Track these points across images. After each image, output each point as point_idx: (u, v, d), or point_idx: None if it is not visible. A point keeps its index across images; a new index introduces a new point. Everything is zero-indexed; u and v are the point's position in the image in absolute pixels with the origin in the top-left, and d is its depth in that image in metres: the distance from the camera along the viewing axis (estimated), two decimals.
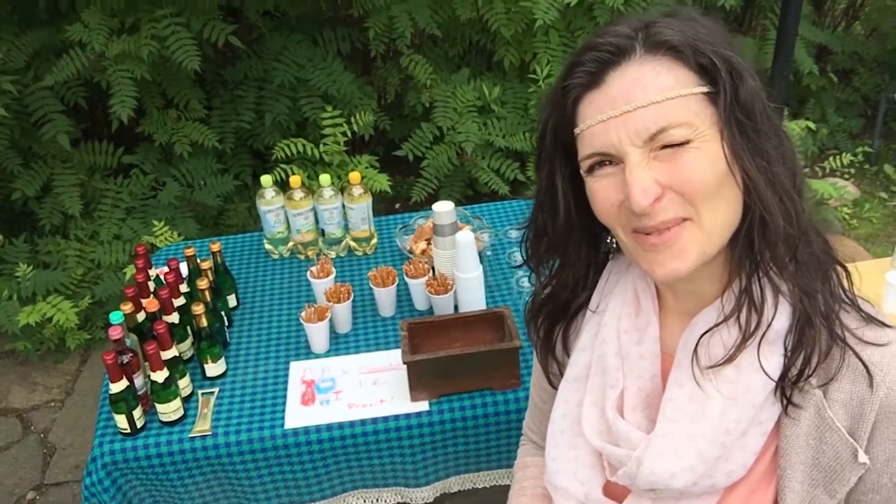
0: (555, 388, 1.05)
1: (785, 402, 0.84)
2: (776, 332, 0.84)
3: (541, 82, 3.36)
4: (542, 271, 1.00)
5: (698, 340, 0.87)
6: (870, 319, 0.85)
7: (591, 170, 0.84)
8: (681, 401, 0.87)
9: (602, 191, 0.84)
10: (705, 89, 0.79)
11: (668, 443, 0.86)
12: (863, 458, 0.82)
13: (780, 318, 0.84)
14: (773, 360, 0.84)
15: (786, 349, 0.84)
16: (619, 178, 0.81)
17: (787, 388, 0.84)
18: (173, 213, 3.28)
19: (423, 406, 1.61)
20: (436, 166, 3.42)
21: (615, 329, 0.95)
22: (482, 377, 1.61)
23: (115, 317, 1.58)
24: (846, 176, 4.00)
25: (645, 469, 0.87)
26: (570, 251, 0.96)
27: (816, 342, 0.82)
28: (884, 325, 0.85)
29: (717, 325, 0.85)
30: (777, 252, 0.81)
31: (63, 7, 3.00)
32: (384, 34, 3.37)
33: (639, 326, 0.94)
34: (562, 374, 1.03)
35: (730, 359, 0.84)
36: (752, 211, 0.81)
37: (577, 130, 0.85)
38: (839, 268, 0.86)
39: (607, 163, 0.83)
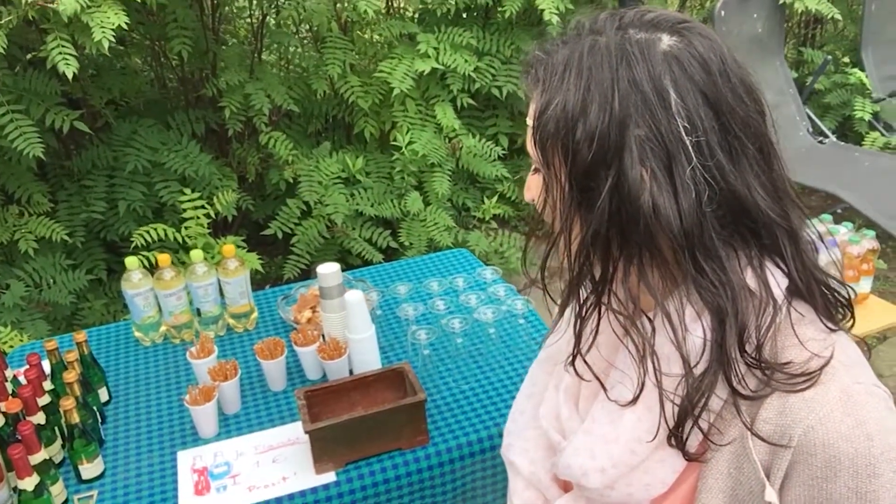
0: None
1: (677, 441, 0.80)
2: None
3: (403, 150, 3.40)
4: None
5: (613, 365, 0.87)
6: (811, 356, 0.76)
7: None
8: (607, 402, 0.86)
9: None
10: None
11: (587, 440, 0.86)
12: (770, 496, 0.74)
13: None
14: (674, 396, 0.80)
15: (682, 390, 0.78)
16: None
17: (677, 440, 0.79)
18: (20, 316, 2.99)
19: (329, 477, 1.51)
20: (306, 241, 3.36)
21: None
22: (390, 437, 1.54)
23: None
24: None
25: (563, 461, 0.87)
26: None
27: (700, 394, 0.77)
28: (824, 364, 0.76)
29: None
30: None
31: None
32: (240, 113, 3.32)
33: (609, 318, 0.90)
34: None
35: (632, 400, 0.82)
36: None
37: None
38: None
39: None
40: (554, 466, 0.90)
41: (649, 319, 0.80)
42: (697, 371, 0.77)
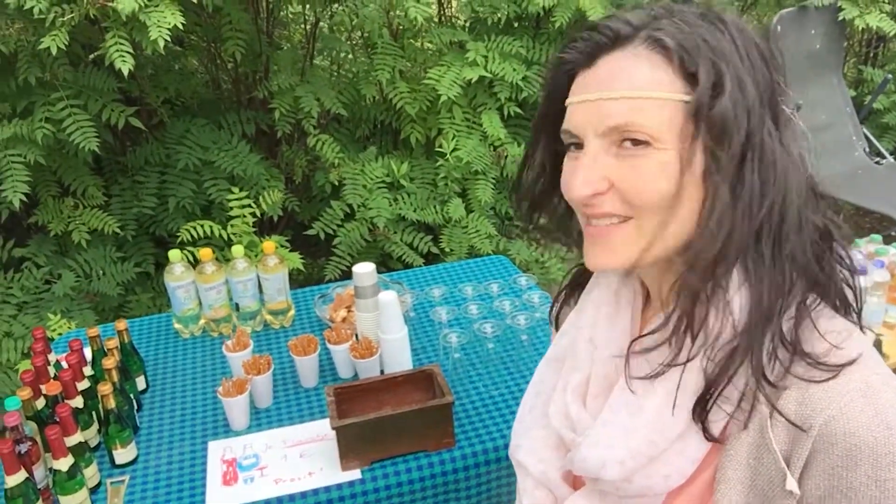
0: None
1: (700, 426, 0.80)
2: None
3: (448, 156, 3.42)
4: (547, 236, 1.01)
5: (629, 348, 0.85)
6: (831, 348, 0.78)
7: (568, 147, 0.84)
8: (626, 393, 0.85)
9: (566, 172, 0.84)
10: (686, 98, 0.75)
11: (605, 433, 0.85)
12: (791, 485, 0.75)
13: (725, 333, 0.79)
14: (696, 380, 0.80)
15: (705, 374, 0.79)
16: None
17: (700, 413, 0.79)
18: (69, 305, 3.09)
19: (354, 475, 1.52)
20: (348, 243, 3.39)
21: (592, 316, 0.94)
22: (416, 438, 1.55)
23: (12, 402, 1.44)
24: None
25: (580, 455, 0.85)
26: (560, 221, 0.96)
27: (726, 378, 0.77)
28: (844, 359, 0.77)
29: (646, 334, 0.83)
30: (705, 280, 0.78)
31: None
32: (290, 115, 3.38)
33: (613, 317, 0.92)
34: None
35: (656, 374, 0.81)
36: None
37: (566, 103, 0.84)
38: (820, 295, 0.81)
39: (579, 146, 0.81)
40: (569, 462, 0.89)
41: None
42: (727, 347, 0.78)
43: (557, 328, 1.06)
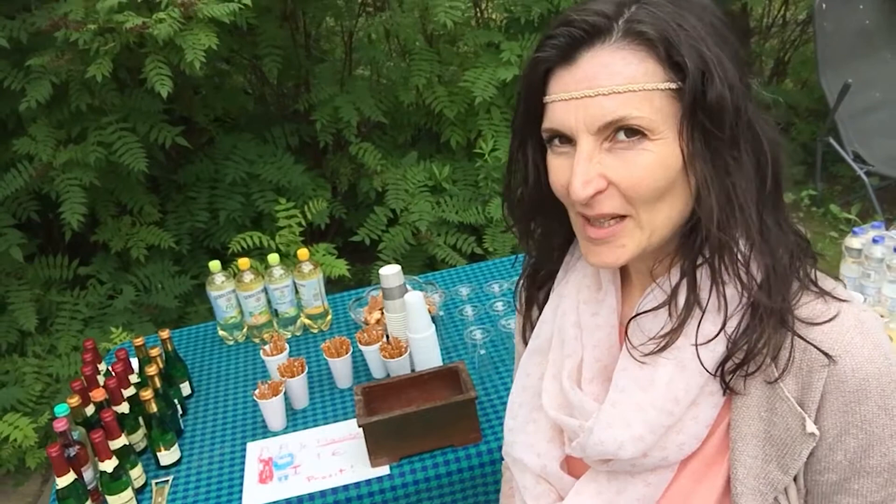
0: None
1: (724, 386, 0.82)
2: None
3: (486, 157, 3.45)
4: (527, 237, 0.98)
5: (628, 323, 0.87)
6: (823, 293, 0.83)
7: (550, 142, 0.83)
8: (631, 369, 0.85)
9: (556, 168, 0.83)
10: (672, 86, 0.76)
11: (617, 412, 0.85)
12: (811, 427, 0.79)
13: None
14: (718, 347, 0.82)
15: (728, 338, 0.82)
16: (571, 160, 0.80)
17: (725, 374, 0.82)
18: (130, 319, 3.24)
19: (383, 470, 1.56)
20: (392, 247, 3.45)
21: (575, 300, 0.94)
22: (442, 434, 1.58)
23: (61, 409, 1.54)
24: (796, 220, 4.09)
25: (594, 439, 0.85)
26: (549, 218, 0.94)
27: (762, 338, 0.80)
28: (838, 299, 0.83)
29: (648, 310, 0.85)
30: (714, 263, 0.80)
31: (10, 125, 3.05)
32: (331, 125, 3.46)
33: (598, 298, 0.93)
34: None
35: (662, 347, 0.83)
36: (697, 214, 0.80)
37: (545, 100, 0.83)
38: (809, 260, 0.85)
39: (566, 140, 0.81)
40: (578, 449, 0.88)
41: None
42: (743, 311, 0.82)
43: (533, 321, 1.04)
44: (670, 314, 0.83)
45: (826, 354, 0.78)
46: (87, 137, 2.85)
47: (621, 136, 0.77)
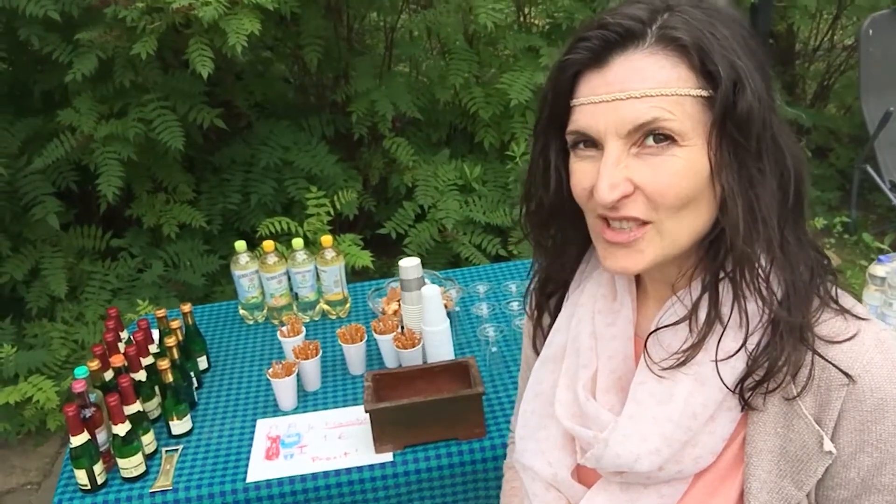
0: None
1: (742, 403, 0.83)
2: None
3: (518, 159, 3.46)
4: (543, 244, 0.98)
5: (647, 337, 0.86)
6: (843, 311, 0.84)
7: (574, 146, 0.83)
8: (649, 383, 0.86)
9: (579, 172, 0.83)
10: (704, 93, 0.77)
11: (633, 425, 0.85)
12: (828, 445, 0.79)
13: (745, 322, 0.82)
14: (738, 363, 0.82)
15: (748, 355, 0.82)
16: (596, 164, 0.79)
17: (745, 391, 0.82)
18: (157, 293, 3.31)
19: (387, 457, 1.59)
20: (418, 243, 3.48)
21: (590, 310, 0.94)
22: (447, 426, 1.61)
23: (80, 371, 1.59)
24: (827, 246, 4.05)
25: (610, 451, 0.85)
26: (566, 226, 0.94)
27: (782, 356, 0.80)
28: (857, 317, 0.83)
29: (669, 325, 0.85)
30: (736, 277, 0.80)
31: (57, 97, 3.13)
32: (366, 118, 3.50)
33: (614, 309, 0.92)
34: None
35: (682, 362, 0.83)
36: (721, 224, 0.80)
37: (572, 103, 0.83)
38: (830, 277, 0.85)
39: (591, 144, 0.81)
40: (592, 460, 0.87)
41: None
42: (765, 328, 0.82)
43: (543, 329, 1.04)
44: (690, 329, 0.83)
45: (846, 374, 0.79)
46: (129, 113, 2.93)
47: (650, 141, 0.77)
